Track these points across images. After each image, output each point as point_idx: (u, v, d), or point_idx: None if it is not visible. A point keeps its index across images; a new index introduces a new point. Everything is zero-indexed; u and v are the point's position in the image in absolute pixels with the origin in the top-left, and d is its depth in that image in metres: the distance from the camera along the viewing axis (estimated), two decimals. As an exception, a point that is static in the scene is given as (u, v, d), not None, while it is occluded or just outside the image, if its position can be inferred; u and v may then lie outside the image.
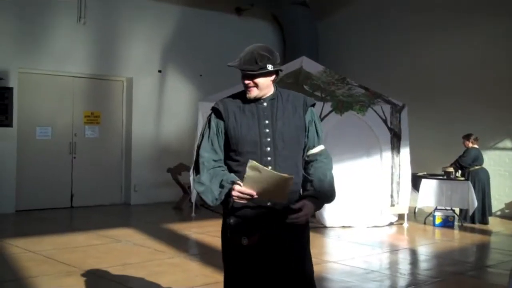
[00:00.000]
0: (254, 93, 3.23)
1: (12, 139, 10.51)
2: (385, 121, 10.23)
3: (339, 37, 14.27)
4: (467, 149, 10.57)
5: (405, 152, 10.31)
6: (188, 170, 10.93)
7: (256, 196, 3.04)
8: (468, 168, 10.51)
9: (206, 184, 3.14)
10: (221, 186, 3.11)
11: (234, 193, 3.06)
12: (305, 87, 10.03)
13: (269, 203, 3.15)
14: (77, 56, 11.29)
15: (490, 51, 11.74)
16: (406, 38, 12.99)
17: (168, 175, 11.67)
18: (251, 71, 3.17)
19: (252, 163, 2.97)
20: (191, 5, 12.93)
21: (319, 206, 3.23)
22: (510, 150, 11.56)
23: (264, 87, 3.24)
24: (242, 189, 3.03)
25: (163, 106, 12.60)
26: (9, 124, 10.19)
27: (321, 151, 3.34)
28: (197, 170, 3.22)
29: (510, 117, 11.43)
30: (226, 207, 3.24)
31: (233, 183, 3.08)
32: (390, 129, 10.25)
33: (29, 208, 10.66)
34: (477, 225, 10.36)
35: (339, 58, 13.98)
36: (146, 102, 12.31)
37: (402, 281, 6.77)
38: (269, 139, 3.20)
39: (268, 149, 3.19)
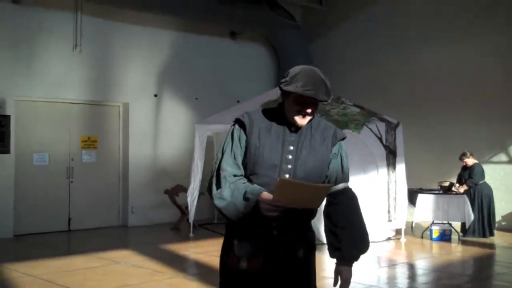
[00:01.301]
0: (306, 121, 2.96)
1: (10, 165, 10.55)
2: (380, 139, 10.33)
3: (332, 57, 14.43)
4: (472, 166, 10.60)
5: (400, 168, 10.39)
6: (185, 191, 10.97)
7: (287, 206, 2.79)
8: (476, 185, 10.56)
9: (227, 199, 2.88)
10: (246, 199, 2.84)
11: (263, 205, 2.79)
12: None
13: (275, 232, 2.93)
14: (73, 83, 11.39)
15: (483, 65, 11.89)
16: (398, 55, 13.15)
17: (165, 197, 11.72)
18: (325, 101, 2.92)
19: (281, 179, 2.78)
20: (185, 31, 13.10)
21: (355, 259, 3.02)
22: (504, 164, 11.66)
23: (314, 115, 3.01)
24: (271, 200, 2.77)
25: (159, 130, 12.69)
26: (7, 151, 10.26)
27: (345, 189, 3.07)
28: (218, 185, 2.94)
29: (504, 131, 11.55)
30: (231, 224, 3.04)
31: (259, 194, 2.82)
32: (385, 146, 10.35)
33: (27, 233, 10.65)
34: (475, 239, 10.37)
35: (333, 78, 13.82)
36: (143, 126, 12.40)
37: (401, 294, 6.81)
38: (290, 166, 2.94)
39: (287, 176, 2.93)
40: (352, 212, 3.03)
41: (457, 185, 10.75)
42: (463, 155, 10.68)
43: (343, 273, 2.99)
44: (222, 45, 13.80)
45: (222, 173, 2.92)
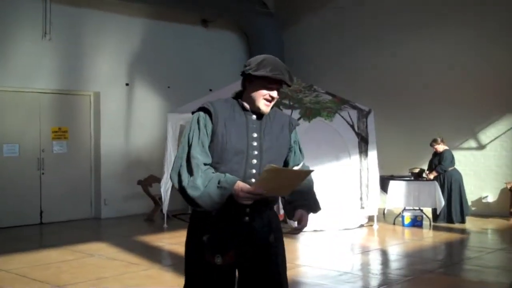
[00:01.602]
0: (270, 107, 3.15)
1: (-21, 157, 10.39)
2: (352, 126, 10.42)
3: (304, 45, 14.47)
4: (442, 152, 10.76)
5: (372, 155, 10.51)
6: (159, 182, 10.92)
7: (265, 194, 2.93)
8: (446, 172, 10.71)
9: (201, 189, 2.92)
10: (221, 189, 2.91)
11: (242, 194, 2.89)
12: (273, 95, 10.13)
13: (247, 218, 3.06)
14: (43, 72, 11.22)
15: (452, 54, 12.05)
16: (370, 43, 13.24)
17: (138, 187, 11.65)
18: (289, 86, 3.11)
19: (270, 167, 2.85)
20: (157, 18, 12.97)
21: (316, 211, 3.26)
22: (474, 150, 11.87)
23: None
24: (251, 189, 2.90)
25: (131, 119, 12.59)
26: (-24, 143, 10.10)
27: (303, 166, 3.29)
28: (190, 173, 2.97)
29: (474, 117, 11.75)
30: (197, 217, 3.12)
31: (234, 183, 2.92)
32: (357, 134, 10.44)
33: (-2, 227, 10.54)
34: (446, 224, 10.56)
35: (306, 66, 14.16)
36: (114, 116, 12.28)
37: (375, 281, 6.92)
38: (256, 152, 3.09)
39: (254, 161, 3.08)
40: (310, 180, 3.30)
41: (427, 171, 10.91)
42: (434, 141, 10.83)
43: (304, 217, 3.17)
44: (194, 32, 13.71)
45: (194, 161, 2.97)
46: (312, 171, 3.06)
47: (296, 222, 3.17)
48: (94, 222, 11.71)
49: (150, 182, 11.65)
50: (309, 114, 10.07)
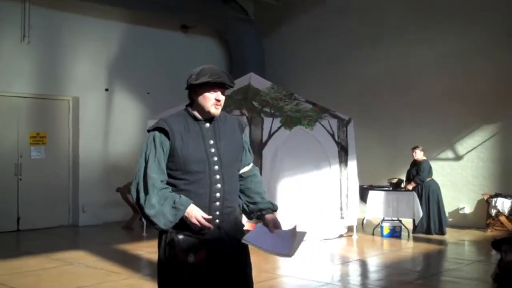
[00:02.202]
0: (219, 110, 3.37)
1: (-45, 162, 10.22)
2: (332, 135, 10.47)
3: (285, 53, 14.51)
4: (420, 162, 10.83)
5: (352, 164, 10.57)
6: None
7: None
8: (424, 182, 10.81)
9: (156, 207, 3.15)
10: (175, 208, 3.14)
11: (193, 220, 3.15)
12: (254, 103, 10.17)
13: (217, 220, 3.27)
14: (21, 76, 11.08)
15: (432, 65, 12.14)
16: (350, 51, 13.31)
17: (117, 195, 11.56)
18: (231, 87, 3.35)
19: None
20: (137, 23, 12.91)
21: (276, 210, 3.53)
22: (451, 161, 12.01)
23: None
24: (200, 220, 3.15)
25: (110, 125, 12.49)
26: (-49, 147, 9.93)
27: (253, 167, 3.61)
28: (145, 192, 3.20)
29: (451, 128, 11.87)
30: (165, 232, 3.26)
31: (187, 206, 3.16)
32: (337, 143, 10.49)
33: (-26, 233, 10.37)
34: (424, 235, 10.64)
35: (286, 73, 14.21)
36: (93, 121, 12.17)
37: (355, 292, 6.96)
38: (216, 158, 3.31)
39: (216, 167, 3.30)
40: (262, 183, 3.58)
41: (405, 182, 11.02)
42: (416, 147, 10.89)
43: (275, 219, 3.43)
44: (173, 38, 13.68)
45: (150, 181, 3.19)
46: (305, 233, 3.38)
47: (270, 226, 3.40)
48: (72, 230, 11.59)
49: (129, 189, 11.54)
50: (289, 122, 10.10)
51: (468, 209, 11.77)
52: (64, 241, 10.34)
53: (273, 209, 3.51)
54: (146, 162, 3.25)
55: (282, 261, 8.88)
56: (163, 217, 3.14)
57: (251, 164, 3.57)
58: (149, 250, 9.26)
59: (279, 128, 9.93)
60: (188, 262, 3.19)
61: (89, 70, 12.14)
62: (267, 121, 9.72)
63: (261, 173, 3.82)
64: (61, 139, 11.93)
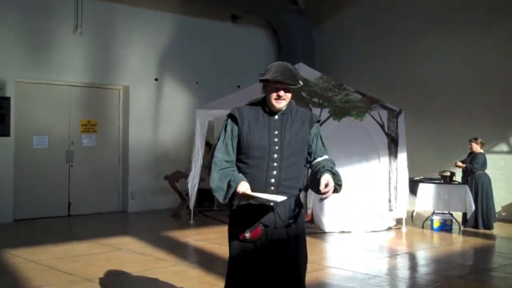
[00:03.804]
0: (282, 104, 3.64)
1: (10, 148, 10.48)
2: (382, 126, 10.29)
3: (335, 43, 14.35)
4: (476, 154, 10.51)
5: (402, 156, 10.37)
6: (186, 178, 10.93)
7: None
8: (474, 173, 10.52)
9: (217, 182, 3.54)
10: (229, 186, 3.49)
11: (238, 194, 3.47)
12: (303, 93, 10.07)
13: (271, 203, 3.55)
14: (74, 65, 11.29)
15: (487, 55, 11.83)
16: (402, 43, 13.07)
17: (165, 183, 11.66)
18: (293, 85, 3.58)
19: (243, 192, 3.42)
20: (187, 14, 12.97)
21: (336, 184, 3.53)
22: (505, 154, 11.65)
23: (289, 100, 3.67)
24: (239, 193, 3.45)
25: (159, 114, 12.61)
26: (7, 134, 10.18)
27: (328, 158, 3.75)
28: (212, 169, 3.60)
29: (505, 121, 11.52)
30: (232, 205, 3.68)
31: (239, 183, 3.47)
32: (387, 134, 10.31)
33: (27, 217, 10.62)
34: (476, 229, 10.37)
35: (335, 64, 14.04)
36: (143, 110, 12.32)
37: (403, 286, 6.82)
38: (277, 147, 3.61)
39: (276, 155, 3.60)
40: (333, 167, 3.65)
41: (458, 161, 10.68)
42: (474, 139, 10.57)
43: (330, 181, 3.47)
44: (223, 28, 13.68)
45: (214, 159, 3.62)
46: (284, 199, 3.45)
47: (322, 189, 3.45)
48: (121, 216, 11.77)
49: (177, 177, 11.65)
50: (338, 113, 9.97)
51: (521, 203, 11.39)
52: (113, 226, 10.51)
53: (332, 171, 3.56)
54: (217, 143, 3.67)
55: (328, 253, 8.82)
56: (222, 191, 3.52)
57: (326, 156, 3.72)
58: (196, 237, 9.32)
59: (327, 118, 9.81)
60: (245, 238, 3.59)
61: (139, 60, 12.27)
62: (316, 111, 9.57)
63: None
64: (111, 127, 12.12)
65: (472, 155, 10.59)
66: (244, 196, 3.45)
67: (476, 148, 10.53)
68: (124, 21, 12.00)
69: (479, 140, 10.54)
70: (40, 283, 6.33)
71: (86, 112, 11.72)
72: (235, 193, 3.48)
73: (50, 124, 11.21)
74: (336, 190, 3.57)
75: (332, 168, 3.60)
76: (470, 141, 10.59)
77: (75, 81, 11.45)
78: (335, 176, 3.55)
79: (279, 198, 3.44)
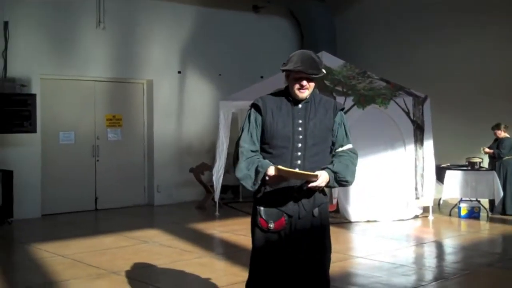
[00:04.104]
0: (306, 94, 3.63)
1: (36, 145, 10.60)
2: (407, 113, 10.17)
3: (357, 31, 14.20)
4: (502, 139, 10.39)
5: (428, 144, 10.24)
6: (210, 170, 10.95)
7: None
8: (502, 158, 10.37)
9: (244, 171, 3.55)
10: (257, 172, 3.51)
11: (267, 177, 3.48)
12: (326, 82, 9.99)
13: (295, 194, 3.58)
14: (97, 60, 11.37)
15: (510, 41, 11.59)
16: (425, 30, 12.87)
17: (190, 175, 11.71)
18: (315, 75, 3.57)
19: (278, 167, 3.42)
20: (208, 5, 12.94)
21: (334, 180, 3.58)
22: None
23: (312, 89, 3.66)
24: (270, 175, 3.47)
25: (183, 107, 12.64)
26: (33, 130, 10.29)
27: (350, 148, 3.75)
28: (237, 158, 3.61)
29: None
30: (257, 194, 3.67)
31: (267, 168, 3.48)
32: (413, 121, 10.19)
33: (54, 212, 10.75)
34: (504, 216, 10.23)
35: (358, 52, 13.89)
36: (167, 103, 12.36)
37: (431, 274, 6.73)
38: (301, 136, 3.61)
39: (300, 145, 3.60)
40: (351, 159, 3.69)
41: (485, 148, 10.56)
42: (496, 126, 10.45)
43: (322, 175, 3.53)
44: (245, 19, 13.63)
45: (240, 149, 3.62)
46: (316, 175, 3.47)
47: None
48: (147, 209, 11.85)
49: (201, 169, 11.68)
50: (363, 101, 9.87)
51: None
52: (139, 219, 10.59)
53: (332, 169, 3.58)
54: (241, 134, 3.69)
55: (354, 242, 8.76)
56: (250, 179, 3.54)
57: (348, 146, 3.73)
58: (221, 229, 9.34)
59: (351, 107, 9.73)
60: (269, 228, 3.60)
61: (162, 53, 12.30)
62: (339, 100, 9.48)
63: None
64: (136, 121, 12.19)
65: (498, 140, 10.43)
66: (280, 174, 3.42)
67: (500, 134, 10.39)
68: (145, 15, 12.03)
69: (502, 125, 10.39)
70: (67, 277, 6.41)
71: (111, 106, 11.80)
72: (263, 180, 3.50)
73: (76, 120, 11.31)
74: (342, 184, 3.66)
75: (339, 163, 3.62)
76: (493, 129, 10.46)
77: (99, 76, 11.52)
78: (337, 174, 3.57)
79: (312, 173, 3.46)
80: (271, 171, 3.45)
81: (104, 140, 11.66)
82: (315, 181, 3.48)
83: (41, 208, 10.61)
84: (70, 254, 7.48)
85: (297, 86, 3.59)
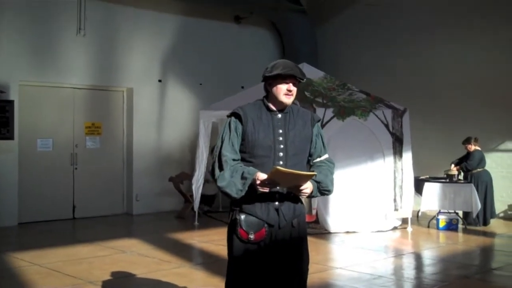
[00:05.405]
0: (291, 100, 3.67)
1: (14, 151, 10.48)
2: (386, 126, 10.25)
3: (338, 43, 14.29)
4: (472, 152, 10.60)
5: (407, 156, 10.32)
6: (190, 179, 10.90)
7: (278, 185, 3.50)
8: (471, 171, 10.54)
9: (228, 179, 3.50)
10: (244, 178, 3.48)
11: (258, 182, 3.45)
12: (306, 93, 10.03)
13: (276, 203, 3.59)
14: (77, 68, 11.29)
15: (490, 52, 11.74)
16: (405, 41, 13.00)
17: (170, 184, 11.65)
18: (302, 80, 3.65)
19: (276, 168, 3.36)
20: (190, 15, 12.94)
21: (317, 190, 3.64)
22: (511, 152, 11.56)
23: (294, 96, 3.71)
24: (263, 179, 3.44)
25: (163, 116, 12.59)
26: (11, 137, 10.16)
27: (327, 158, 3.83)
28: (220, 167, 3.57)
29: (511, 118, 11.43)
30: (237, 202, 3.60)
31: (254, 173, 3.47)
32: (392, 134, 10.26)
33: (31, 221, 10.61)
34: (481, 228, 10.35)
35: (339, 63, 13.99)
36: (147, 112, 12.29)
37: (409, 286, 6.77)
38: (282, 146, 3.63)
39: (281, 154, 3.62)
40: (329, 169, 3.77)
41: (452, 166, 10.72)
42: (467, 140, 10.67)
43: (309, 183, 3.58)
44: (226, 29, 13.65)
45: (223, 158, 3.57)
46: (314, 174, 3.53)
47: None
48: (126, 218, 11.75)
49: (181, 179, 11.63)
50: (342, 113, 9.93)
51: (529, 201, 11.31)
52: (118, 229, 10.49)
53: (316, 180, 3.62)
54: (222, 143, 3.64)
55: (334, 253, 8.77)
56: (234, 186, 3.49)
57: (325, 156, 3.80)
58: (200, 239, 9.29)
59: (331, 118, 9.79)
60: (249, 239, 3.56)
61: (143, 61, 12.26)
62: (320, 111, 9.56)
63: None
64: (115, 129, 12.10)
65: (469, 154, 10.62)
66: (277, 176, 3.39)
67: (471, 147, 10.58)
68: (127, 23, 11.98)
69: (472, 139, 10.57)
70: (44, 286, 6.32)
71: (90, 114, 11.71)
72: (251, 186, 3.48)
73: (54, 127, 11.20)
74: (323, 194, 3.71)
75: (319, 173, 3.66)
76: (464, 144, 10.67)
77: (79, 84, 11.44)
78: (320, 184, 3.63)
79: (311, 173, 3.51)
80: (261, 175, 3.44)
81: (83, 148, 11.56)
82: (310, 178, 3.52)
83: (18, 216, 10.47)
84: (47, 263, 7.38)
85: (284, 91, 3.61)
